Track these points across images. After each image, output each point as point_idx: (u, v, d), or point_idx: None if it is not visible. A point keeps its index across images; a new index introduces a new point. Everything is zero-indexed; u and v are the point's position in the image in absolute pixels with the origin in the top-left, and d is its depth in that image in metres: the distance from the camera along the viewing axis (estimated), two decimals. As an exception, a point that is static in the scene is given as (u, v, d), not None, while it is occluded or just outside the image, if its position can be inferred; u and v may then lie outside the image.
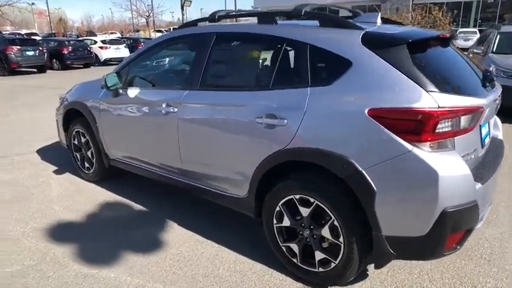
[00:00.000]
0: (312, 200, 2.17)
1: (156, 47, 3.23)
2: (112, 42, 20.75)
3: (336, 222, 2.10)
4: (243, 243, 2.78)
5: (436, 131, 1.82)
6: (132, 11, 55.12)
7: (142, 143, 3.24)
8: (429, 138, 1.82)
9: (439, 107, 1.81)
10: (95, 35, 33.64)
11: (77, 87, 4.09)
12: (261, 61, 2.59)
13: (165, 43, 3.21)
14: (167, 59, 4.21)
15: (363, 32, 2.10)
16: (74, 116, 3.94)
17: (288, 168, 2.28)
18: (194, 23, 3.07)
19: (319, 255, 2.23)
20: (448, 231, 1.86)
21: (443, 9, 16.61)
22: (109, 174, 3.91)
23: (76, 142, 4.02)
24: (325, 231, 2.16)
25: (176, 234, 2.93)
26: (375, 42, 2.03)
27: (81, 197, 3.63)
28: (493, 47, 7.23)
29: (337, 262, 2.16)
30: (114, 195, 3.64)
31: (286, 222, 2.33)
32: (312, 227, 2.23)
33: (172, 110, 2.83)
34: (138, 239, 2.88)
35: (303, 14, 2.39)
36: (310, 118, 2.10)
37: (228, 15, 2.83)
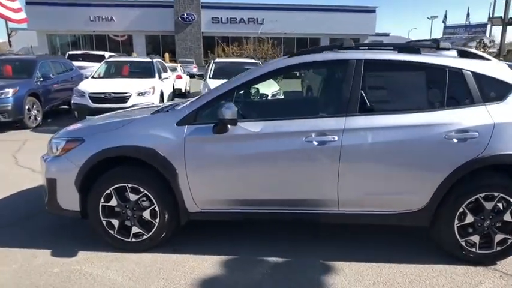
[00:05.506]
0: (496, 194, 2.71)
1: (271, 74, 2.91)
2: None
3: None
4: (410, 253, 2.98)
5: None
6: None
7: (269, 181, 2.81)
8: None
9: None
10: None
11: (109, 128, 2.99)
12: (425, 85, 2.86)
13: (284, 70, 2.94)
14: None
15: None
16: (106, 167, 2.86)
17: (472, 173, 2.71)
18: (320, 50, 2.98)
19: (498, 238, 2.79)
20: None
21: (273, 42, 19.73)
22: (169, 237, 3.02)
23: (113, 203, 2.87)
24: (507, 216, 2.75)
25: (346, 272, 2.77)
26: None
27: (175, 274, 2.70)
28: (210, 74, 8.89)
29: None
30: (208, 257, 2.90)
31: (469, 219, 2.77)
32: (491, 217, 2.76)
33: (331, 139, 2.70)
34: None
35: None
36: (498, 129, 2.65)
37: (360, 43, 2.97)
